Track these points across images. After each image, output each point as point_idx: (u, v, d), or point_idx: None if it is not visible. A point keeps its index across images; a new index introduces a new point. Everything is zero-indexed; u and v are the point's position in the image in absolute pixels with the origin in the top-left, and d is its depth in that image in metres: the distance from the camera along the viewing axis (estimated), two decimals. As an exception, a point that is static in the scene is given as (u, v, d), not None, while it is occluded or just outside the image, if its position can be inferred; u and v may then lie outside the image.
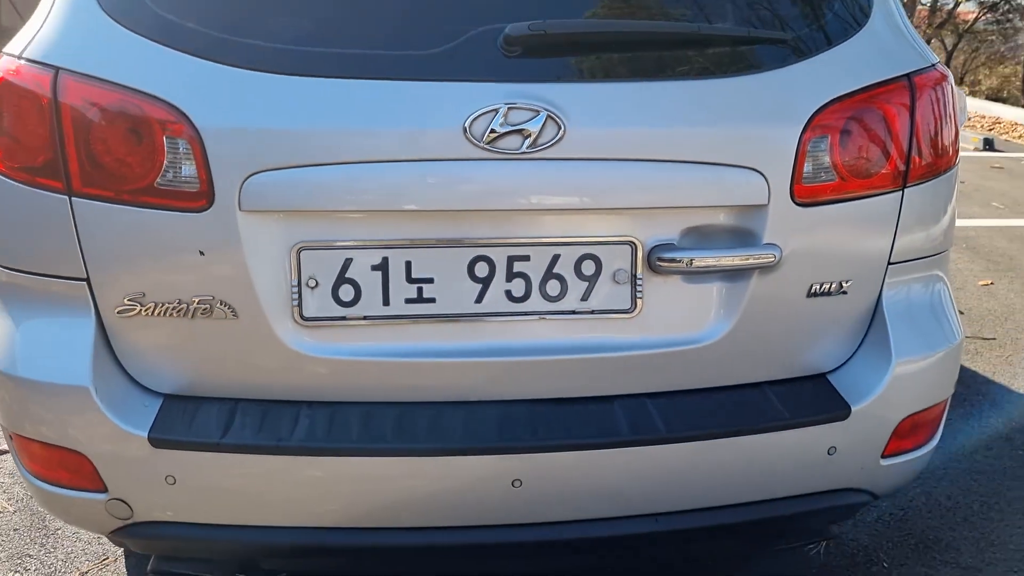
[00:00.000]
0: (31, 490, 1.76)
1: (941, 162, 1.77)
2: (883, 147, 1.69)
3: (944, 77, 1.77)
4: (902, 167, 1.71)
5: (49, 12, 1.61)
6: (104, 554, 2.38)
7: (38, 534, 2.46)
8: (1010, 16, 15.70)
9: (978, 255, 5.12)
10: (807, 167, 1.64)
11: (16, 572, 2.30)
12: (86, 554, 2.38)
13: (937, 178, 1.77)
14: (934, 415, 1.85)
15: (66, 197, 1.54)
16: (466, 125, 1.52)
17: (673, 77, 1.64)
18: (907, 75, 1.71)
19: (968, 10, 16.16)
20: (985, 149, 8.80)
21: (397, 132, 1.54)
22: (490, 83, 1.54)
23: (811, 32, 1.73)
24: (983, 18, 15.76)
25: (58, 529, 2.48)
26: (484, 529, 1.67)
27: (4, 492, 2.65)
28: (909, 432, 1.80)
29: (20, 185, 1.56)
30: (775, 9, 1.74)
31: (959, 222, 5.78)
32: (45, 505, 1.78)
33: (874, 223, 1.72)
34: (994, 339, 3.90)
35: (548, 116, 1.53)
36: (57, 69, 1.53)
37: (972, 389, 3.40)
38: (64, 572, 2.32)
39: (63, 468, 1.64)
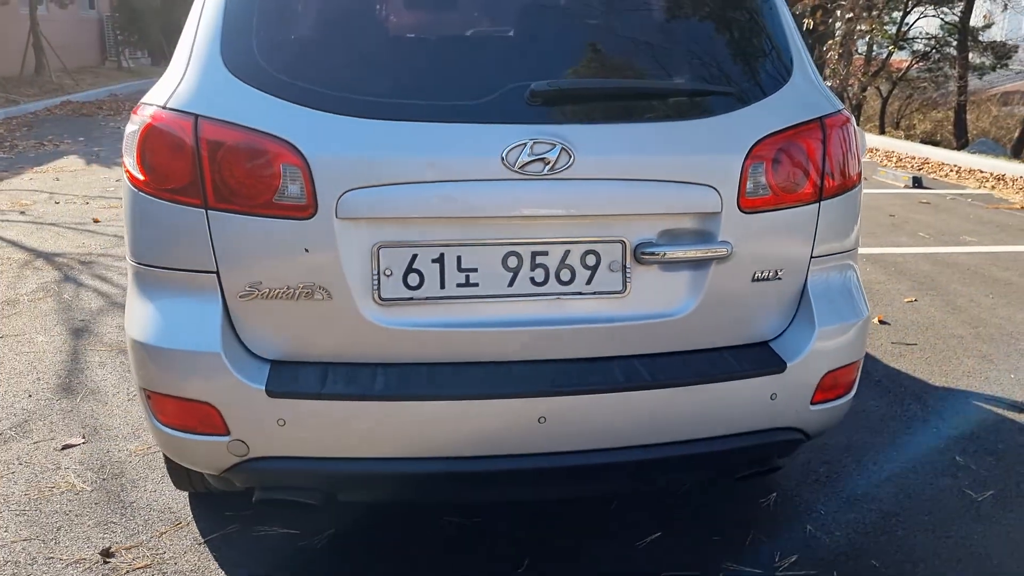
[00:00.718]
0: (160, 439, 2.20)
1: (848, 182, 2.32)
2: (804, 171, 2.24)
3: (848, 119, 2.33)
4: (819, 185, 2.25)
5: (185, 72, 2.11)
6: (177, 520, 2.78)
7: (116, 506, 2.86)
8: (941, 65, 16.45)
9: (905, 277, 5.77)
10: (749, 185, 2.18)
11: (105, 534, 2.71)
12: (161, 520, 2.78)
13: (846, 194, 2.32)
14: (850, 373, 2.38)
15: (203, 211, 2.02)
16: (503, 155, 2.04)
17: (652, 120, 2.19)
18: (820, 118, 2.27)
19: (901, 59, 16.87)
20: (914, 186, 9.31)
21: (453, 160, 2.05)
22: (520, 125, 2.06)
23: (750, 87, 2.28)
24: (916, 67, 16.50)
25: (133, 502, 2.88)
26: (518, 457, 2.15)
27: (79, 476, 3.04)
28: (830, 386, 2.33)
29: (165, 203, 2.04)
30: (725, 71, 2.31)
31: (889, 249, 6.44)
32: (173, 451, 2.22)
33: (799, 226, 2.26)
34: (915, 344, 4.50)
35: (562, 148, 2.05)
36: (196, 116, 2.02)
37: (896, 383, 3.99)
38: (144, 532, 2.71)
39: (193, 418, 2.09)
